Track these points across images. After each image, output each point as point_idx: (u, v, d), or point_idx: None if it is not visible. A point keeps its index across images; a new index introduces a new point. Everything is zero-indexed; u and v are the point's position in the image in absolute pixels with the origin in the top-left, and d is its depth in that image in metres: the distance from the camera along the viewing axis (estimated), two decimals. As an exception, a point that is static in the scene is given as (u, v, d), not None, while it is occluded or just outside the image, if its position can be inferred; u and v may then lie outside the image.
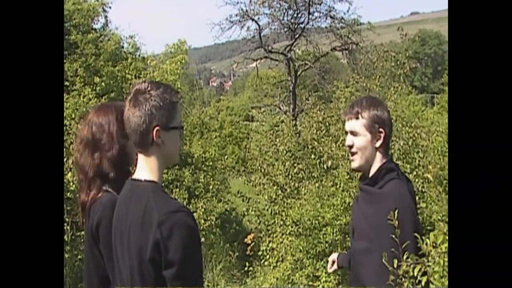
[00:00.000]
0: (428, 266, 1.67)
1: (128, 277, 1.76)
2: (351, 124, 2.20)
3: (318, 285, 5.19)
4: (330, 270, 2.77)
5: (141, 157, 1.81)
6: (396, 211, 1.86)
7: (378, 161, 2.18)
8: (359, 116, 2.17)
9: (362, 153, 2.18)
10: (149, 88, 1.75)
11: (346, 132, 2.27)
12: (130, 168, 2.17)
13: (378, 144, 2.16)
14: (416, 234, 1.88)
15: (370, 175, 2.20)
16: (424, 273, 1.72)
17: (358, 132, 2.17)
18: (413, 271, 1.71)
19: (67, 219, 4.94)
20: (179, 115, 1.86)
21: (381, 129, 2.15)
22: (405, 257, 1.78)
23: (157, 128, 1.74)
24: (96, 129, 2.20)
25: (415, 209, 2.14)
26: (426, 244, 1.73)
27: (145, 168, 1.80)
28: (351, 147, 2.21)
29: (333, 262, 2.72)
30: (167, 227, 1.64)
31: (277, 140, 7.31)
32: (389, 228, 1.95)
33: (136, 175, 1.82)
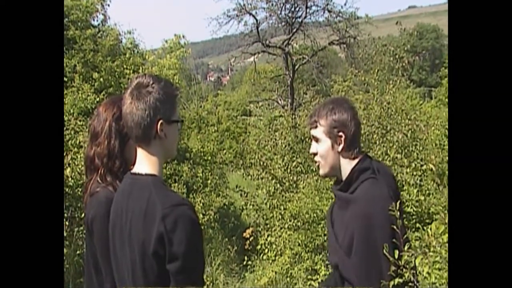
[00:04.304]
0: (430, 256, 1.67)
1: (129, 272, 1.75)
2: (313, 132, 2.19)
3: (317, 279, 5.20)
4: None
5: (141, 151, 1.80)
6: (370, 213, 1.92)
7: (347, 164, 2.13)
8: (317, 124, 2.15)
9: (325, 160, 2.15)
10: (151, 82, 1.75)
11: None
12: (120, 168, 2.16)
13: (340, 148, 2.12)
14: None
15: (343, 179, 2.15)
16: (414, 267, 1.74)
17: (319, 138, 2.16)
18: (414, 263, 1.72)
19: (65, 215, 4.93)
20: (178, 109, 1.86)
21: (340, 133, 2.10)
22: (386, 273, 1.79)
23: (161, 121, 1.75)
24: (97, 122, 2.20)
25: (395, 206, 1.99)
26: (428, 234, 1.73)
27: (146, 162, 1.79)
28: (315, 154, 2.20)
29: None
30: (171, 220, 1.63)
31: (276, 134, 7.31)
32: (362, 238, 1.95)
33: (136, 169, 1.81)
